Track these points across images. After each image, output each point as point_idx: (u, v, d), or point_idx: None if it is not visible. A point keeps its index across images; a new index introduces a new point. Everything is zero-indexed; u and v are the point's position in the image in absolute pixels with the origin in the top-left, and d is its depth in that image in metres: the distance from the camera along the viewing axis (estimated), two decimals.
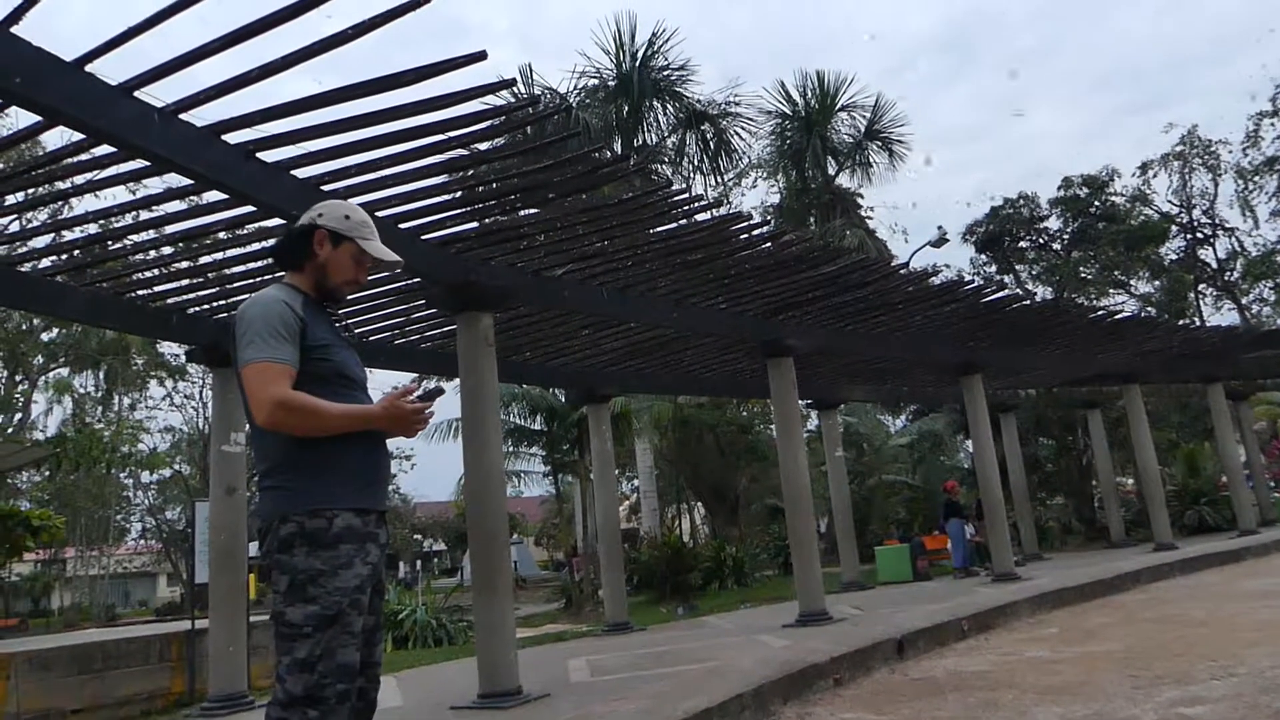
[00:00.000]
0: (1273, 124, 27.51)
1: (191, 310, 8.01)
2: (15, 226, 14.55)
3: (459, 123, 5.44)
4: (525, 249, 7.54)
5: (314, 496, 2.39)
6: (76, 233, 7.01)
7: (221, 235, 6.83)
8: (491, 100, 5.90)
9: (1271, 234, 28.49)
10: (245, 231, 6.79)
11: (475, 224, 7.08)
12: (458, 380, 7.26)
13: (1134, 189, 28.64)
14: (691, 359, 12.43)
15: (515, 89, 16.20)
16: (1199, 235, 28.88)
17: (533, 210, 7.46)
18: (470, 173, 6.83)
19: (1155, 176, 28.69)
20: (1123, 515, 20.85)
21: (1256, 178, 27.89)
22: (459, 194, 6.48)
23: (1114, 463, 22.03)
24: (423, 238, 6.82)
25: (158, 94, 4.72)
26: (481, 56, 4.59)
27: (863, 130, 22.57)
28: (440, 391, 2.61)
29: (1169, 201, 28.76)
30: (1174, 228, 28.66)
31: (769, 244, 8.83)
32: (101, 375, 25.61)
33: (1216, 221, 28.76)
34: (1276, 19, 37.92)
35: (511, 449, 21.77)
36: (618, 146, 18.79)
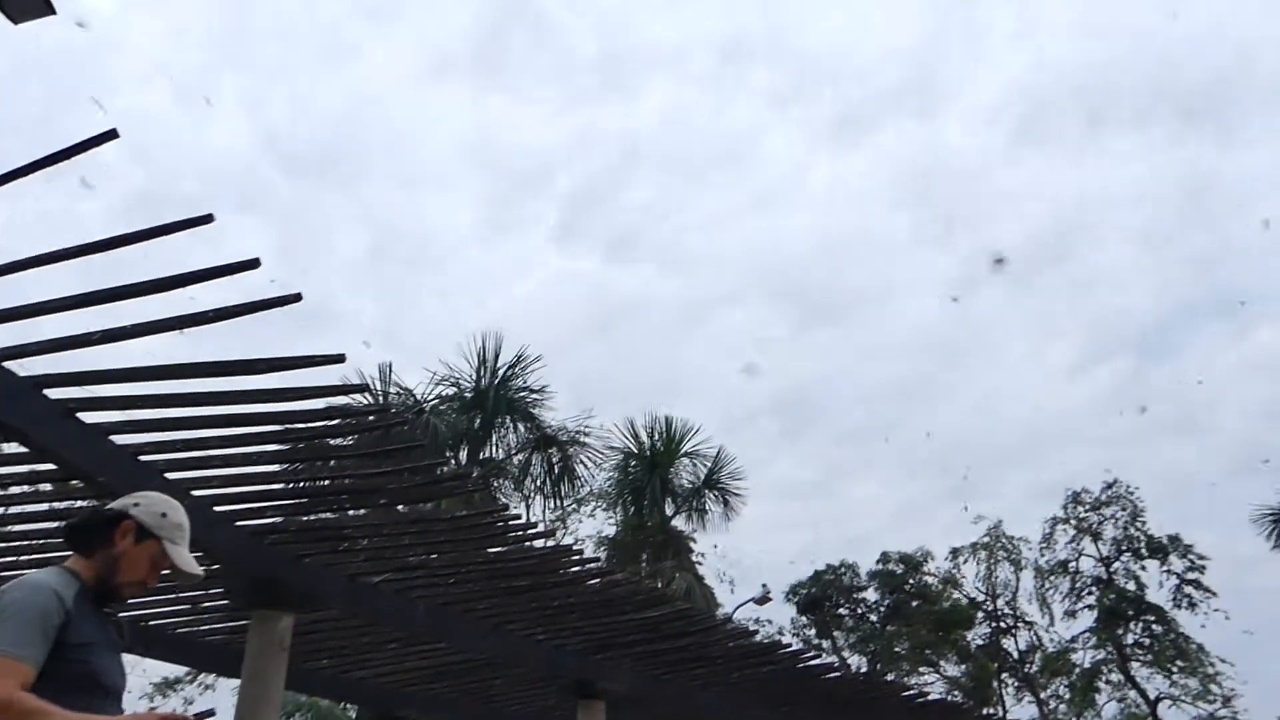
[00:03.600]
0: (1064, 529, 30.21)
1: None
2: None
3: (303, 416, 5.37)
4: (344, 551, 7.19)
5: None
6: None
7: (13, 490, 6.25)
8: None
9: (1066, 632, 30.30)
10: (39, 490, 6.26)
11: (297, 517, 6.76)
12: (237, 683, 6.57)
13: (945, 572, 30.34)
14: (501, 689, 11.70)
15: (370, 390, 16.35)
16: (1002, 624, 30.39)
17: (361, 511, 7.23)
18: (302, 464, 6.65)
19: (965, 562, 30.60)
20: None
21: (1052, 577, 30.07)
22: (286, 485, 6.25)
23: None
24: (236, 523, 6.43)
25: None
26: (339, 359, 4.63)
27: (702, 478, 23.46)
28: (211, 714, 2.37)
29: (976, 588, 30.49)
30: (980, 614, 30.13)
31: (597, 580, 8.74)
32: None
33: (1018, 613, 30.46)
34: (1076, 429, 43.29)
35: None
36: (463, 456, 18.85)
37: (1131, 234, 45.73)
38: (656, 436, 23.13)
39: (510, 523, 7.40)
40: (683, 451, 23.28)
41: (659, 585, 19.04)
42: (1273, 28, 46.70)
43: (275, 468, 6.16)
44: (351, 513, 7.20)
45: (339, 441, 6.85)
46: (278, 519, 6.61)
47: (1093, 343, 46.46)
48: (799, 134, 52.89)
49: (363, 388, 6.11)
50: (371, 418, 7.24)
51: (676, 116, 50.83)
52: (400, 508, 7.07)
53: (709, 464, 23.41)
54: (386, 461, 6.51)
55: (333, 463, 7.05)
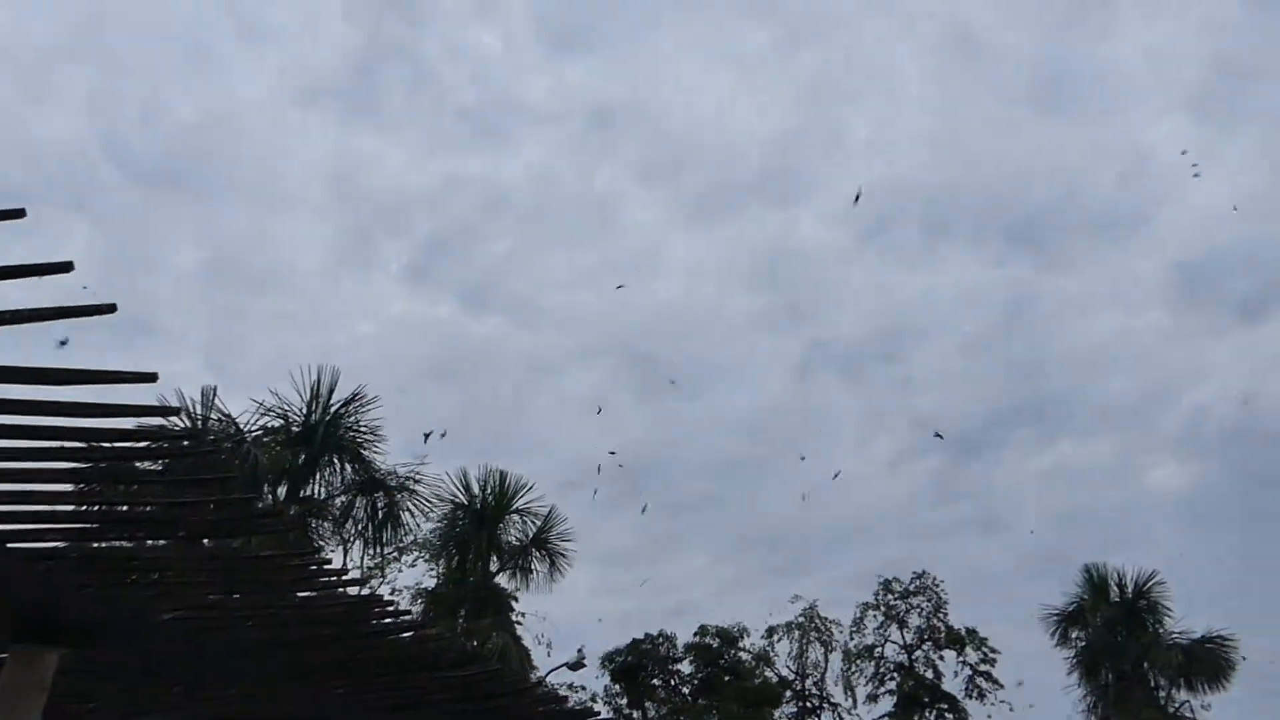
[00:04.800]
0: (874, 615, 31.39)
1: None
2: None
3: (106, 435, 4.96)
4: (132, 583, 6.63)
5: None
6: None
7: None
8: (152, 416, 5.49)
9: (866, 715, 31.30)
10: None
11: (84, 543, 6.21)
12: None
13: (760, 649, 30.89)
14: None
15: (188, 413, 15.44)
16: (809, 704, 31.08)
17: (159, 542, 6.71)
18: (99, 486, 6.14)
19: (779, 641, 31.27)
20: None
21: (859, 661, 31.10)
22: (77, 508, 5.73)
23: None
24: (8, 544, 5.84)
25: None
26: (151, 378, 4.31)
27: (530, 536, 23.13)
28: None
29: (787, 667, 31.14)
30: (789, 693, 30.74)
31: (408, 634, 8.40)
32: None
33: (824, 694, 31.26)
34: (882, 522, 45.39)
35: None
36: (283, 492, 17.93)
37: (957, 340, 48.89)
38: (489, 490, 22.73)
39: (321, 567, 7.03)
40: (514, 507, 22.94)
41: (474, 643, 18.58)
42: (1089, 170, 51.66)
43: (67, 488, 5.65)
44: (150, 543, 6.67)
45: (146, 465, 6.39)
46: (61, 544, 6.05)
47: (913, 438, 49.02)
48: (660, 207, 54.25)
49: (177, 410, 5.73)
50: (185, 443, 6.78)
51: (544, 175, 51.21)
52: (204, 542, 6.62)
53: (539, 522, 23.13)
54: (195, 491, 6.09)
55: (135, 487, 6.54)
